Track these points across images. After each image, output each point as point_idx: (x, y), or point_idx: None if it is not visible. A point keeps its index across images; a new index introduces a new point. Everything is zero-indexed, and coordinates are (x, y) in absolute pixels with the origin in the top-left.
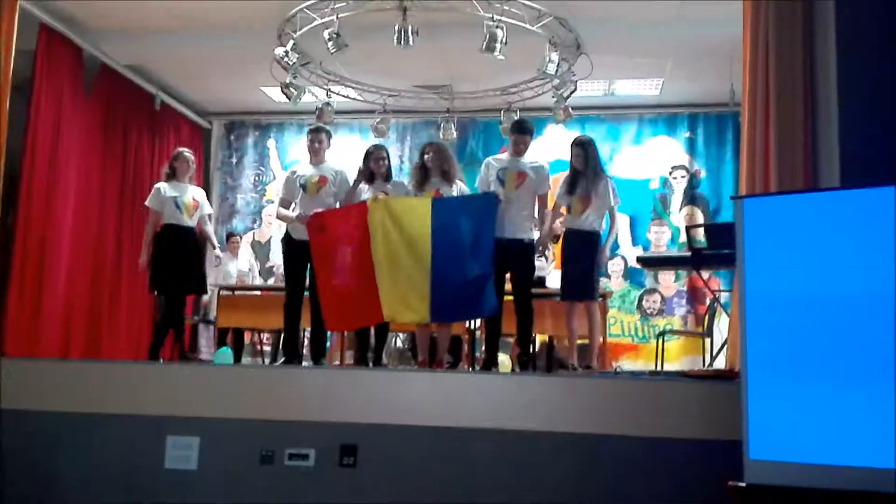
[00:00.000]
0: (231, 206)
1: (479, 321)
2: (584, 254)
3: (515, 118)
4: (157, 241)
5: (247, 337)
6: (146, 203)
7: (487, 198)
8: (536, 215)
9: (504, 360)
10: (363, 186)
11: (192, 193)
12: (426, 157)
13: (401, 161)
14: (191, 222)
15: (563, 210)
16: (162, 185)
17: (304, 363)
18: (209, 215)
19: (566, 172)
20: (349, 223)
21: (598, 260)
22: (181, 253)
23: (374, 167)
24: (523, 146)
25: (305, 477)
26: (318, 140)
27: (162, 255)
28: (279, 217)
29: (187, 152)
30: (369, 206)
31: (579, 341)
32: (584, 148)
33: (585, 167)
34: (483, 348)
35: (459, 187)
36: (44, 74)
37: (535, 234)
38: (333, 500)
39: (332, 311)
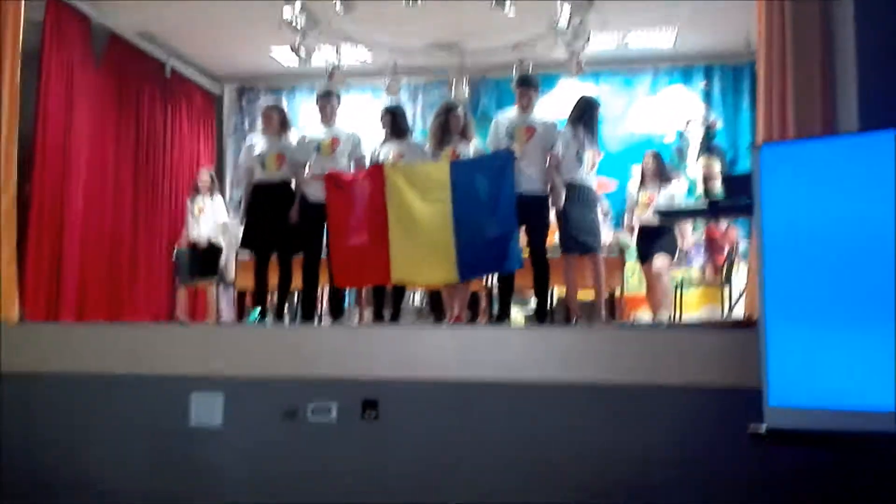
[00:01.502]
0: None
1: (495, 277)
2: (586, 208)
3: (524, 74)
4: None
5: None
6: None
7: (503, 155)
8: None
9: (516, 316)
10: (377, 145)
11: (279, 148)
12: (450, 118)
13: (413, 120)
14: (278, 176)
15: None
16: (252, 141)
17: (324, 321)
18: (302, 164)
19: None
20: (366, 184)
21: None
22: (263, 211)
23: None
24: (527, 100)
25: (328, 431)
26: (328, 104)
27: (248, 213)
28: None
29: (270, 104)
30: (386, 171)
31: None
32: (598, 109)
33: (596, 126)
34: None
35: (476, 145)
36: (53, 45)
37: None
38: (356, 454)
39: (342, 267)
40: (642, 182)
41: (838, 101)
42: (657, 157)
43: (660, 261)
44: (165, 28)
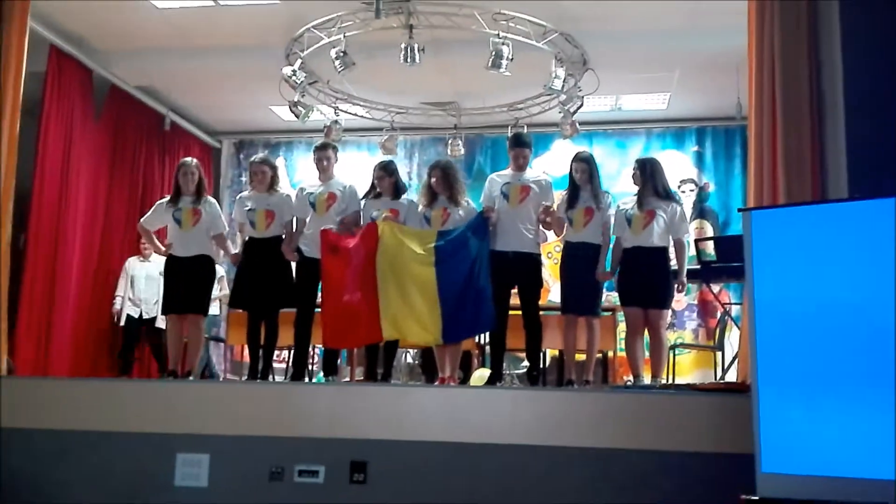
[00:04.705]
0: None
1: (487, 337)
2: (586, 267)
3: (517, 132)
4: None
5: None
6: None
7: (479, 217)
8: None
9: (485, 373)
10: (371, 205)
11: (268, 205)
12: (432, 179)
13: (409, 178)
14: (268, 234)
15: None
16: (243, 195)
17: (314, 379)
18: (289, 221)
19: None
20: (360, 243)
21: (597, 274)
22: (252, 268)
23: (378, 185)
24: (522, 160)
25: (315, 493)
26: (325, 157)
27: (238, 270)
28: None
29: (260, 158)
30: (379, 226)
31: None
32: (587, 163)
33: (590, 182)
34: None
35: (467, 207)
36: (54, 96)
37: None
38: None
39: (333, 328)
40: (638, 196)
41: (828, 166)
42: (648, 165)
43: (660, 314)
44: (165, 82)
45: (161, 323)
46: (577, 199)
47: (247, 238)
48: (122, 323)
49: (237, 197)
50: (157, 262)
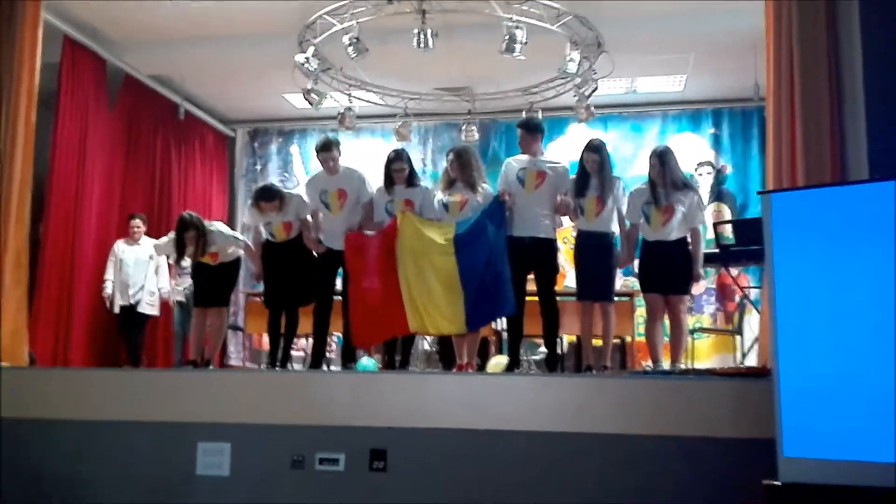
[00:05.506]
0: None
1: (505, 323)
2: (599, 255)
3: (527, 117)
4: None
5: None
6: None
7: (495, 202)
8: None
9: (502, 360)
10: (384, 195)
11: (284, 217)
12: (448, 164)
13: (423, 164)
14: (286, 238)
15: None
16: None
17: (333, 368)
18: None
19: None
20: (382, 239)
21: (614, 261)
22: (275, 269)
23: (394, 176)
24: (525, 144)
25: (336, 481)
26: (330, 158)
27: (264, 272)
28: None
29: (263, 188)
30: (398, 220)
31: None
32: (599, 152)
33: (600, 171)
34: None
35: (485, 192)
36: (68, 87)
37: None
38: None
39: (361, 328)
40: (653, 191)
41: (848, 146)
42: (666, 157)
43: (681, 298)
44: (179, 71)
45: (145, 308)
46: (588, 186)
47: (264, 240)
48: (117, 311)
49: (248, 207)
50: (146, 246)
